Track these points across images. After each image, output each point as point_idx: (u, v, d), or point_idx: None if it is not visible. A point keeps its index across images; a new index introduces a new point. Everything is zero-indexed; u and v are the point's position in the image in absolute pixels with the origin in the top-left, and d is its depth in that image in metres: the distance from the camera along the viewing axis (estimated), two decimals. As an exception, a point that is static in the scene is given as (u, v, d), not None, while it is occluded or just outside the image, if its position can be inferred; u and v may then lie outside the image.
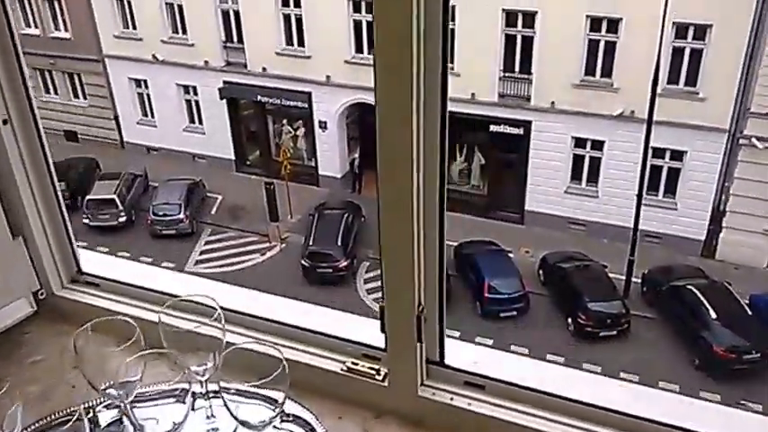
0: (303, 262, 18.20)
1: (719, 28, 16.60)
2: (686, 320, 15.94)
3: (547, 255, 18.53)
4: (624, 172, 18.73)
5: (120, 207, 20.54)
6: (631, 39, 17.38)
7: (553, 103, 18.97)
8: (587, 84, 18.54)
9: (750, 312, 15.78)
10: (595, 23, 17.93)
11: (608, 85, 18.37)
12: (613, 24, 17.73)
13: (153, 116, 24.12)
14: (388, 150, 1.43)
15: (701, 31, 17.02)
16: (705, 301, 15.80)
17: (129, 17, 22.83)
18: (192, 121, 23.76)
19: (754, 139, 17.45)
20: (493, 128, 19.88)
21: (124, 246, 20.18)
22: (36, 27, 24.26)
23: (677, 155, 18.54)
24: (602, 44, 18.14)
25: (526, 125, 19.61)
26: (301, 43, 21.06)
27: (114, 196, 20.53)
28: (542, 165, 19.92)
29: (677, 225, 19.13)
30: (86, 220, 20.48)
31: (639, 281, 17.72)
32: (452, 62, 19.77)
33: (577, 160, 19.82)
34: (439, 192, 1.56)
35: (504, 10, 18.49)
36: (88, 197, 20.59)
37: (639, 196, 17.15)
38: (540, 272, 18.42)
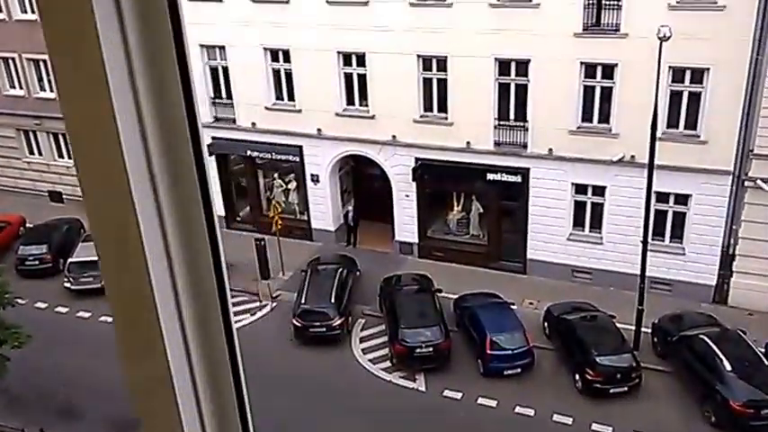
0: (295, 321, 17.99)
1: (717, 71, 16.82)
2: (700, 373, 15.62)
3: (551, 306, 18.31)
4: (628, 217, 18.70)
5: (105, 269, 20.42)
6: (627, 84, 17.57)
7: (551, 149, 19.05)
8: (585, 130, 18.65)
9: (767, 362, 15.51)
10: (590, 69, 18.14)
11: (606, 131, 18.48)
12: (608, 69, 17.94)
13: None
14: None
15: (699, 75, 17.22)
16: (719, 352, 15.51)
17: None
18: (181, 178, 23.83)
19: (759, 181, 17.47)
20: (490, 176, 19.94)
21: (106, 310, 19.90)
22: (21, 88, 24.68)
23: (682, 199, 18.53)
24: (597, 90, 18.33)
25: (524, 172, 19.67)
26: (291, 98, 21.33)
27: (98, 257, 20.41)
28: (543, 212, 19.91)
29: (686, 271, 18.99)
30: (68, 284, 20.44)
31: (650, 331, 17.47)
32: (446, 111, 20.03)
33: (579, 207, 19.79)
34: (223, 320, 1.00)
35: (497, 59, 18.77)
36: (70, 260, 20.57)
37: (645, 242, 17.04)
38: (545, 324, 18.17)
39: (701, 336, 16.16)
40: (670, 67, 16.76)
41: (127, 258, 0.88)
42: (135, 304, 0.92)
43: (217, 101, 22.15)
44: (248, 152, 22.20)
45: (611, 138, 18.39)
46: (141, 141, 0.88)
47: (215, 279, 0.96)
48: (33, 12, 23.38)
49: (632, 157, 18.08)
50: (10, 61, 24.60)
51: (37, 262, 21.40)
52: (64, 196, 25.78)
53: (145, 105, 0.87)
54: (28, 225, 23.78)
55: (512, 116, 19.37)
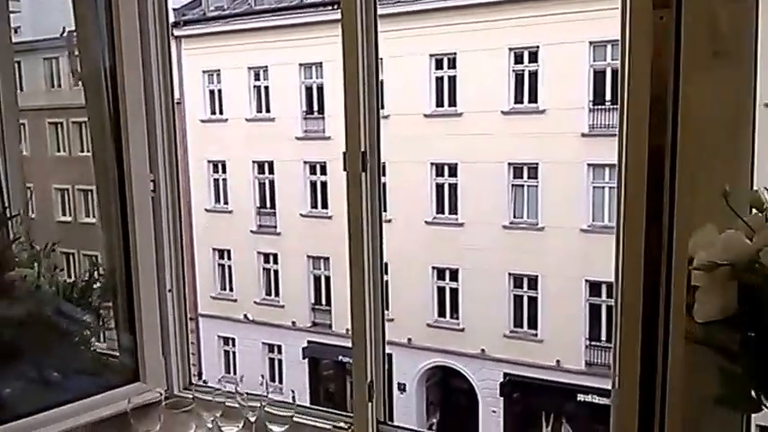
0: None
1: None
2: None
3: None
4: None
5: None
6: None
7: (643, 372, 19.12)
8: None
9: None
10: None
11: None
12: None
13: (235, 372, 25.79)
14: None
15: None
16: None
17: (227, 280, 25.87)
18: (273, 379, 25.12)
19: None
20: (581, 397, 19.98)
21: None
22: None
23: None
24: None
25: (616, 396, 19.60)
26: (386, 306, 22.82)
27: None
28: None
29: None
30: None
31: None
32: (536, 328, 20.83)
33: None
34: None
35: (586, 280, 19.86)
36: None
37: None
38: None
39: None
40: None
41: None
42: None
43: (316, 307, 24.00)
44: (340, 357, 23.36)
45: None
46: None
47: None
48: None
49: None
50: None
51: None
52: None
53: None
54: None
55: (603, 337, 19.86)
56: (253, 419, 2.71)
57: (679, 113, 1.18)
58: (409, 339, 22.28)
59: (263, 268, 25.05)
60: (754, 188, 1.71)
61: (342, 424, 2.87)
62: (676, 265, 1.35)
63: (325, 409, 3.08)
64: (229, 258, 25.66)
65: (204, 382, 3.01)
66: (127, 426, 2.72)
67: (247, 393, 2.77)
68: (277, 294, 24.77)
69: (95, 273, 3.18)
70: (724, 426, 1.97)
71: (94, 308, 3.22)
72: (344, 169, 2.66)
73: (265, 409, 2.69)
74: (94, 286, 3.16)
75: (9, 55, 3.51)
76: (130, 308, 3.05)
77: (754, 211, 1.70)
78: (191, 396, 2.86)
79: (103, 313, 3.22)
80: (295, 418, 2.74)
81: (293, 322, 24.16)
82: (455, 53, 21.58)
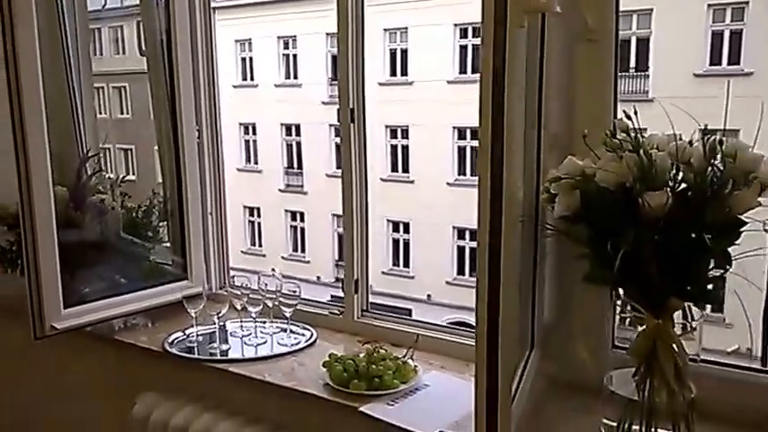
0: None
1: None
2: None
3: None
4: None
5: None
6: None
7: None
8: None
9: None
10: None
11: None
12: None
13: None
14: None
15: None
16: None
17: (257, 236, 27.13)
18: (299, 331, 26.47)
19: None
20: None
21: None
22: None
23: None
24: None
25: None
26: (407, 264, 23.93)
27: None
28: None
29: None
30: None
31: None
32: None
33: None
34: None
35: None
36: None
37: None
38: None
39: None
40: None
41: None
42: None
43: (340, 263, 25.10)
44: (362, 312, 24.56)
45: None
46: None
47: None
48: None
49: None
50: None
51: None
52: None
53: None
54: None
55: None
56: (270, 305, 3.71)
57: (505, 89, 1.89)
58: (429, 296, 23.34)
59: (291, 225, 26.25)
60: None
61: (335, 310, 3.84)
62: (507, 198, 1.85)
63: (322, 300, 4.04)
64: (259, 216, 26.88)
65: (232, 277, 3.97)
66: (178, 309, 3.75)
67: (267, 289, 3.76)
68: (303, 251, 25.98)
69: (155, 200, 4.17)
70: (592, 302, 2.75)
71: (153, 226, 4.22)
72: (338, 121, 3.54)
73: (279, 298, 3.68)
74: (154, 210, 4.16)
75: (86, 23, 4.40)
76: (182, 225, 4.04)
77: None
78: (225, 292, 3.87)
79: (160, 230, 4.22)
80: (299, 306, 3.72)
81: (318, 277, 25.35)
82: (480, 22, 22.06)
